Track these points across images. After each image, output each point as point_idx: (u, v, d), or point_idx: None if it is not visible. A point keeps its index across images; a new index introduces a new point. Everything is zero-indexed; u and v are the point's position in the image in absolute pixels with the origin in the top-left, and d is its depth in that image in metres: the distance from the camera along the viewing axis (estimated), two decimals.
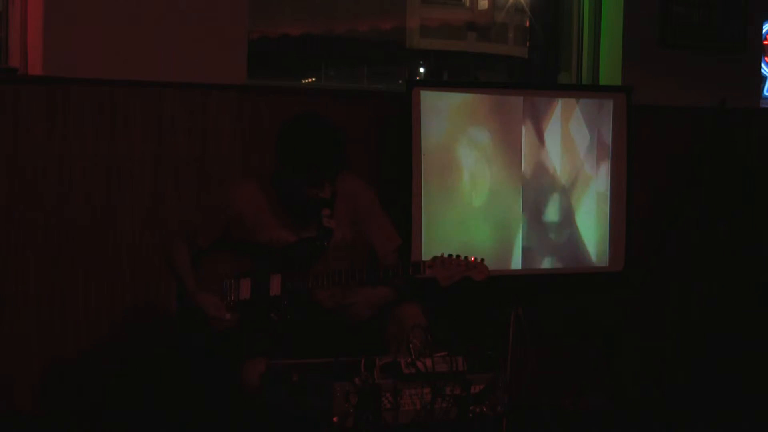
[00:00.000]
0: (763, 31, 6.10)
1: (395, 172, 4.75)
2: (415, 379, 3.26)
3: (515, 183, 4.97)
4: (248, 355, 3.59)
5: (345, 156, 3.78)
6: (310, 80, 5.59)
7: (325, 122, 3.80)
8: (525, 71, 6.02)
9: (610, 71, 5.58)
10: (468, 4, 5.97)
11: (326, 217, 3.78)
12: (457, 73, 6.01)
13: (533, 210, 5.01)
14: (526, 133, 4.99)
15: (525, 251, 5.01)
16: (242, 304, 3.81)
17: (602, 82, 5.61)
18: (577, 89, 5.48)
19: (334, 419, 3.17)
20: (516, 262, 5.00)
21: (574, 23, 5.69)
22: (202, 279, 3.88)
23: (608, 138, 5.13)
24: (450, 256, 3.68)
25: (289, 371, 3.37)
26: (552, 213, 5.06)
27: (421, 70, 5.90)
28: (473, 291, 3.89)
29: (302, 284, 3.76)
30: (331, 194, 3.76)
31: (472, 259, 3.71)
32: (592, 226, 5.14)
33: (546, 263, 5.07)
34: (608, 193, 5.14)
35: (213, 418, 3.93)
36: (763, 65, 6.16)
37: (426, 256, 4.79)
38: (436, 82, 5.75)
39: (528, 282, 5.02)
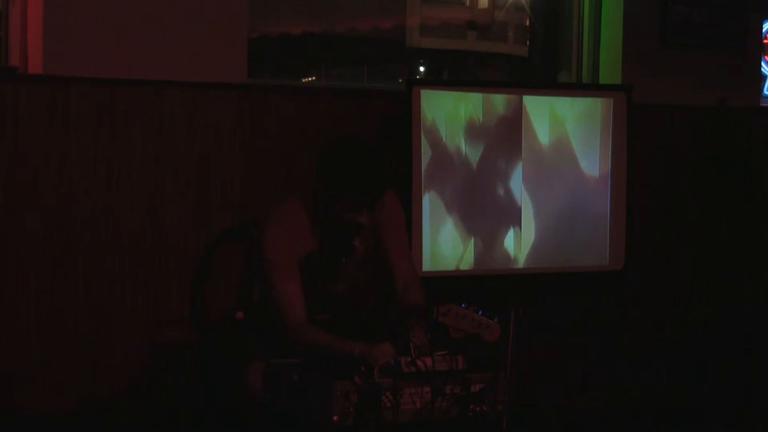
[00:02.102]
0: (763, 30, 6.11)
1: (395, 171, 4.75)
2: (415, 378, 3.26)
3: (515, 182, 4.97)
4: (253, 357, 3.58)
5: (387, 181, 3.72)
6: (310, 79, 5.59)
7: (369, 149, 3.69)
8: (525, 70, 6.03)
9: (610, 70, 5.59)
10: (468, 3, 5.97)
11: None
12: (458, 72, 6.01)
13: (533, 209, 5.01)
14: (526, 132, 4.99)
15: (525, 251, 5.01)
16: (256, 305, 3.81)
17: (602, 81, 5.62)
18: (577, 88, 5.48)
19: (335, 418, 3.16)
20: (516, 262, 5.00)
21: (574, 22, 5.69)
22: (216, 274, 3.86)
23: (608, 137, 5.13)
24: (465, 308, 3.57)
25: (289, 371, 3.36)
26: (552, 212, 5.05)
27: (422, 69, 5.90)
28: (472, 291, 3.88)
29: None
30: (369, 220, 3.70)
31: (486, 319, 3.52)
32: (591, 226, 5.13)
33: (546, 263, 5.06)
34: (608, 192, 5.14)
35: (214, 419, 3.92)
36: (763, 65, 6.16)
37: (426, 255, 4.80)
38: (436, 81, 5.75)
39: (528, 282, 5.02)
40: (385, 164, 3.66)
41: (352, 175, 3.59)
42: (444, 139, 4.84)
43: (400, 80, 5.72)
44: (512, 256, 4.99)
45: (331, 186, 3.61)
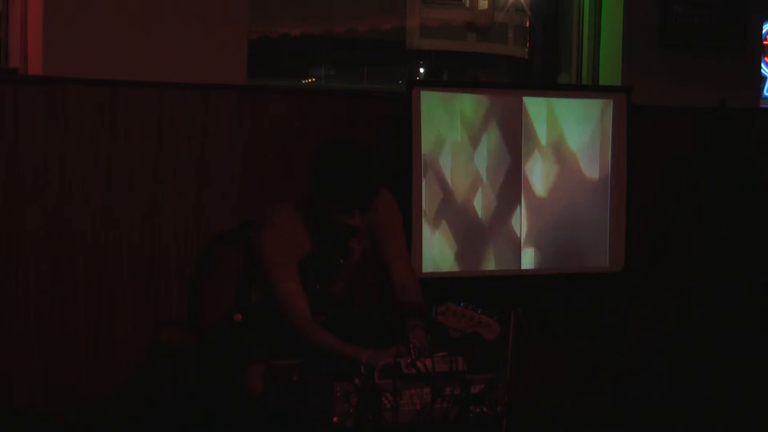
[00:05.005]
0: (763, 31, 6.11)
1: (395, 173, 4.75)
2: (415, 380, 3.26)
3: (515, 183, 4.97)
4: (252, 358, 3.59)
5: (379, 185, 3.69)
6: (310, 80, 5.59)
7: (360, 151, 3.69)
8: (525, 71, 6.02)
9: (610, 71, 5.59)
10: (468, 4, 5.97)
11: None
12: (457, 73, 6.01)
13: (533, 210, 5.01)
14: (526, 133, 4.99)
15: (525, 251, 5.01)
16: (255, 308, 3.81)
17: (602, 82, 5.62)
18: (577, 89, 5.48)
19: (334, 419, 3.17)
20: (516, 263, 5.00)
21: (574, 23, 5.69)
22: (214, 276, 3.87)
23: (608, 138, 5.13)
24: (464, 306, 3.56)
25: (289, 371, 3.37)
26: (552, 213, 5.06)
27: (421, 70, 5.90)
28: (472, 293, 3.88)
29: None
30: (361, 222, 3.71)
31: (485, 318, 3.53)
32: (592, 227, 5.13)
33: (546, 263, 5.07)
34: (608, 193, 5.14)
35: (213, 419, 3.93)
36: (763, 65, 6.16)
37: (426, 256, 4.80)
38: (436, 82, 5.75)
39: (528, 282, 5.02)
40: (376, 166, 3.66)
41: (343, 177, 3.59)
42: (443, 141, 4.84)
43: (400, 81, 5.72)
44: (512, 257, 4.99)
45: (323, 188, 3.62)
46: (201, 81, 4.66)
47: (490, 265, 4.96)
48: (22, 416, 4.44)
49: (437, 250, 4.85)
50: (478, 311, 3.53)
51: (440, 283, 4.78)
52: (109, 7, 4.51)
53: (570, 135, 5.07)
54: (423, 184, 4.78)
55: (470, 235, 4.90)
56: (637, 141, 5.22)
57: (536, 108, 5.00)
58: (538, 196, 5.02)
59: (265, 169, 4.81)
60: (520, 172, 4.98)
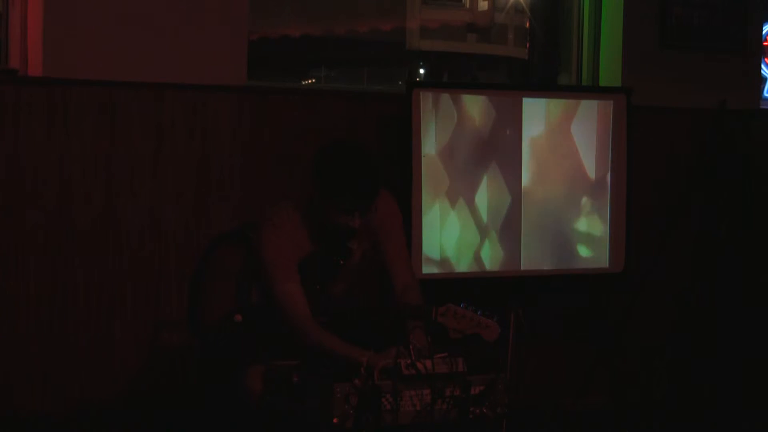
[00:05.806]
0: (763, 32, 6.11)
1: (395, 173, 4.75)
2: (415, 381, 3.27)
3: (515, 183, 4.97)
4: (252, 359, 3.59)
5: (380, 186, 3.69)
6: (310, 81, 5.60)
7: (361, 152, 3.69)
8: (525, 72, 6.03)
9: (610, 72, 5.59)
10: (468, 5, 5.97)
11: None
12: (457, 74, 6.01)
13: (533, 210, 5.02)
14: (526, 134, 4.99)
15: (525, 251, 5.01)
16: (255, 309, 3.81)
17: (602, 82, 5.62)
18: (577, 90, 5.48)
19: (334, 420, 3.17)
20: (516, 262, 5.00)
21: (574, 24, 5.69)
22: (214, 276, 3.87)
23: (608, 139, 5.13)
24: (464, 307, 3.55)
25: (290, 372, 3.37)
26: (552, 213, 5.06)
27: (421, 71, 5.91)
28: (472, 293, 3.87)
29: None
30: (362, 223, 3.70)
31: (485, 319, 3.53)
32: (592, 227, 5.14)
33: (546, 263, 5.07)
34: (608, 193, 5.14)
35: (213, 419, 3.93)
36: (763, 66, 6.16)
37: (425, 257, 4.80)
38: (436, 83, 5.75)
39: (528, 282, 5.02)
40: (377, 167, 3.66)
41: (343, 179, 3.60)
42: (443, 142, 4.84)
43: (400, 82, 5.73)
44: (512, 258, 4.99)
45: (323, 189, 3.63)
46: (201, 82, 4.66)
47: (490, 265, 4.96)
48: (22, 416, 4.44)
49: (437, 251, 4.85)
50: (478, 312, 3.54)
51: (440, 283, 4.79)
52: (109, 8, 4.51)
53: (570, 136, 5.07)
54: (423, 184, 4.78)
55: (470, 235, 4.90)
56: (637, 141, 5.22)
57: (536, 109, 5.00)
58: (538, 196, 5.02)
59: (265, 170, 4.81)
60: (519, 172, 4.98)
